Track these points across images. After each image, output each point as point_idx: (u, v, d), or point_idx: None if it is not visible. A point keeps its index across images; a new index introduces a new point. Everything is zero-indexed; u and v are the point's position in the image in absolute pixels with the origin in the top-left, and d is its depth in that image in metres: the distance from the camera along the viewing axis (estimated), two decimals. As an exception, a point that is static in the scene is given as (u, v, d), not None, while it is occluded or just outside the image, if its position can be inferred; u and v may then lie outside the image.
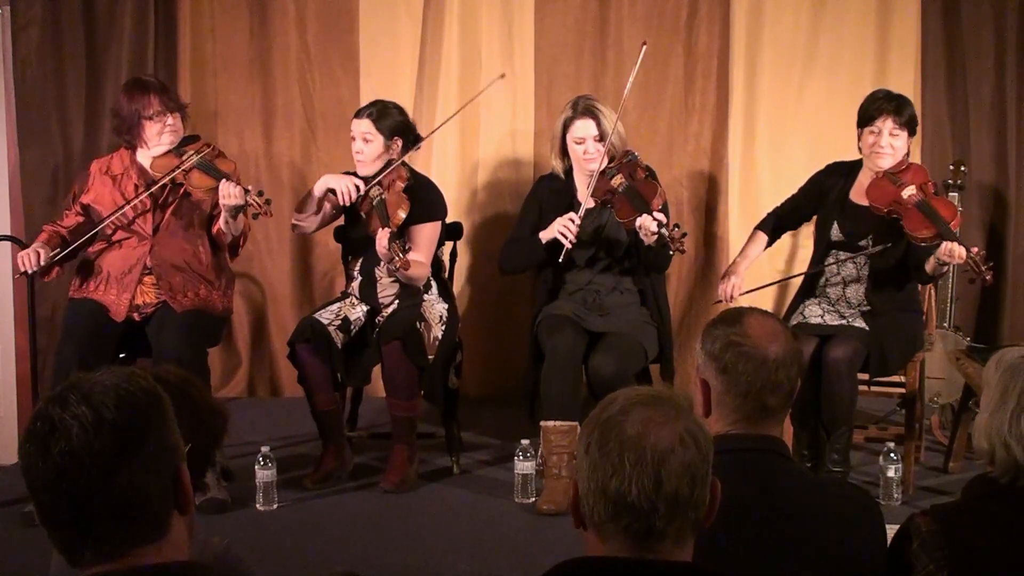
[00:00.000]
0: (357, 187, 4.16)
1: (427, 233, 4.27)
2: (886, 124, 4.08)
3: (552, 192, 4.39)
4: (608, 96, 4.94)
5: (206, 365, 4.08)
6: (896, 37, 5.20)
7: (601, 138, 4.21)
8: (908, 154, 4.19)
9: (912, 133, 4.14)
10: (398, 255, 3.94)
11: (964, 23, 5.16)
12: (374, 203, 4.15)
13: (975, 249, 3.89)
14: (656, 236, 3.97)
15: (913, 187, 4.04)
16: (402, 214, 4.13)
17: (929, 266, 4.00)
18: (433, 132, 4.61)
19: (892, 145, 4.10)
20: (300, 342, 4.16)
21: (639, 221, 4.01)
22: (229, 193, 4.00)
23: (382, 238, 4.01)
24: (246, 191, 4.03)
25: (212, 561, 1.80)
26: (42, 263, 4.01)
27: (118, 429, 1.42)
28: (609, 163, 4.22)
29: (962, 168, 4.82)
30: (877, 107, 4.10)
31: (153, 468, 1.45)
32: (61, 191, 5.05)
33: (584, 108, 4.25)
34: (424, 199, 4.27)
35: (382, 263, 4.19)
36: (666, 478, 1.54)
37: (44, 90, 5.13)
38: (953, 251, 3.85)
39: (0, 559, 3.55)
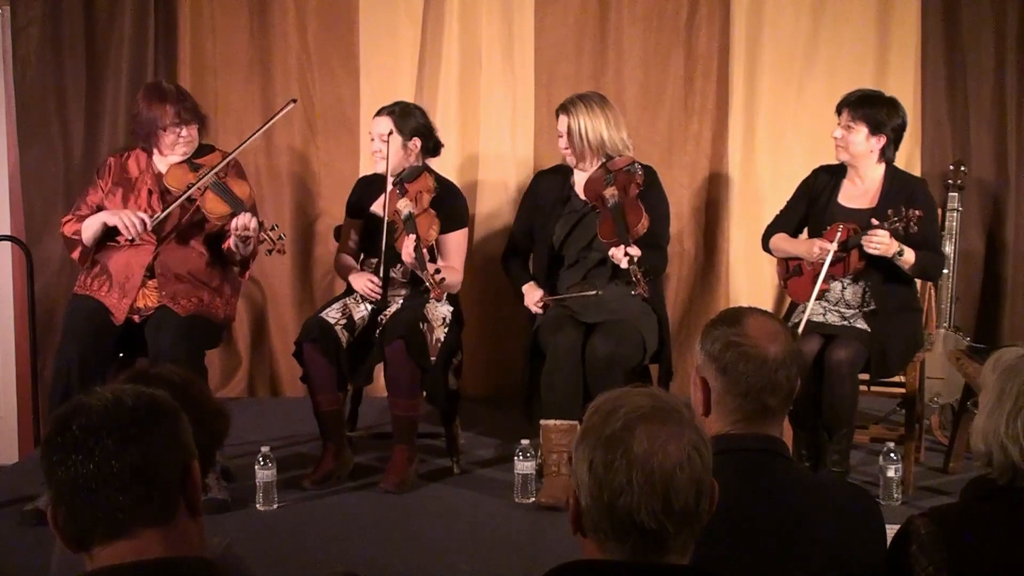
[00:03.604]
0: (143, 221, 4.03)
1: (457, 240, 4.38)
2: (843, 117, 4.10)
3: (549, 185, 4.45)
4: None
5: (203, 367, 4.07)
6: (896, 37, 5.20)
7: (569, 135, 4.27)
8: (885, 156, 4.15)
9: (877, 132, 4.08)
10: (435, 286, 4.03)
11: (964, 23, 5.16)
12: (403, 216, 4.17)
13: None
14: (626, 270, 4.04)
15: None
16: (434, 233, 4.21)
17: (906, 267, 4.05)
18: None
19: (846, 138, 4.10)
20: (307, 341, 4.16)
21: (612, 251, 4.09)
22: (243, 226, 3.97)
23: (408, 246, 4.09)
24: (260, 225, 4.00)
25: (212, 560, 1.81)
26: (149, 228, 4.03)
27: (135, 411, 1.54)
28: (609, 170, 4.26)
29: (962, 168, 4.82)
30: (842, 100, 4.14)
31: (165, 450, 1.54)
32: (61, 191, 5.05)
33: (564, 103, 4.34)
34: (451, 207, 4.34)
35: (397, 266, 4.24)
36: (674, 496, 1.53)
37: (44, 90, 5.13)
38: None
39: (0, 559, 3.55)
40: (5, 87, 5.07)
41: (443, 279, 4.08)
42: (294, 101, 4.41)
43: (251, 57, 5.34)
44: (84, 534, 1.52)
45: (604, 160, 4.31)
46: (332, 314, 4.23)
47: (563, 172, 4.44)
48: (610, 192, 4.20)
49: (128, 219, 4.01)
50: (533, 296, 4.30)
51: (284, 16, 5.34)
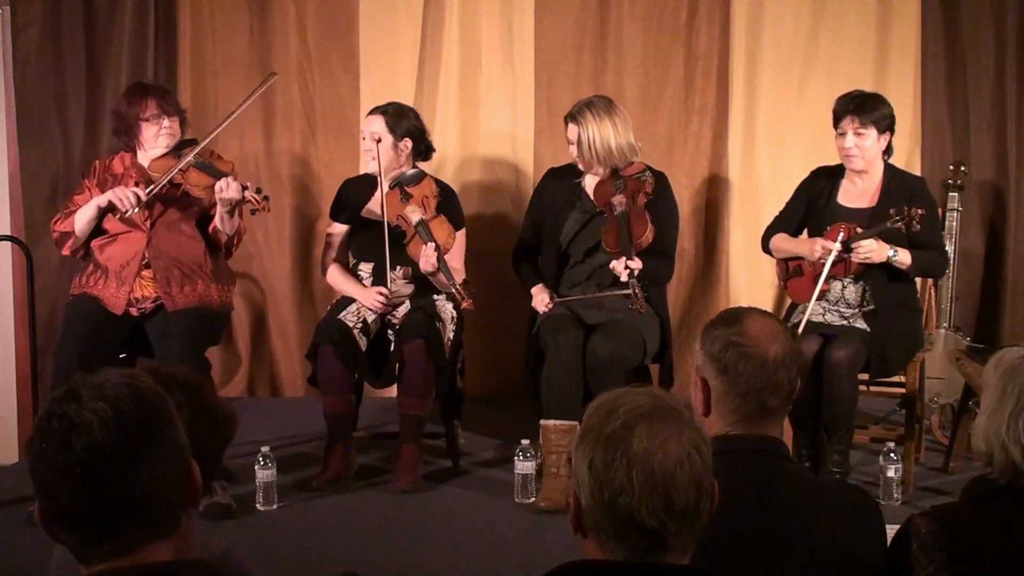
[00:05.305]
0: (136, 194, 4.05)
1: (459, 242, 4.38)
2: (851, 124, 4.06)
3: (559, 184, 4.44)
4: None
5: (209, 374, 4.06)
6: (896, 37, 5.21)
7: (579, 145, 4.24)
8: (888, 152, 4.16)
9: (884, 131, 4.09)
10: (465, 297, 4.03)
11: (964, 23, 5.16)
12: (414, 224, 4.17)
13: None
14: (626, 283, 4.04)
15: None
16: (452, 241, 4.23)
17: (904, 268, 4.05)
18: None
19: (859, 145, 4.08)
20: (326, 343, 4.15)
21: (614, 263, 4.09)
22: (227, 188, 4.01)
23: (429, 255, 4.08)
24: (244, 188, 4.04)
25: (212, 561, 1.80)
26: (144, 200, 4.03)
27: (137, 421, 1.44)
28: (620, 175, 4.25)
29: (962, 168, 4.81)
30: (842, 108, 4.10)
31: (170, 460, 1.48)
32: (61, 191, 5.04)
33: (573, 112, 4.29)
34: (452, 209, 4.36)
35: (397, 268, 4.23)
36: (675, 495, 1.53)
37: (44, 90, 5.13)
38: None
39: (0, 559, 3.55)
40: (5, 87, 5.06)
41: (473, 289, 4.08)
42: (275, 74, 4.38)
43: (251, 57, 5.34)
44: (90, 553, 1.47)
45: (613, 168, 4.28)
46: (349, 318, 4.23)
47: (573, 172, 4.42)
48: (618, 199, 4.19)
49: (122, 192, 4.04)
50: (543, 299, 4.29)
51: (284, 16, 5.34)
